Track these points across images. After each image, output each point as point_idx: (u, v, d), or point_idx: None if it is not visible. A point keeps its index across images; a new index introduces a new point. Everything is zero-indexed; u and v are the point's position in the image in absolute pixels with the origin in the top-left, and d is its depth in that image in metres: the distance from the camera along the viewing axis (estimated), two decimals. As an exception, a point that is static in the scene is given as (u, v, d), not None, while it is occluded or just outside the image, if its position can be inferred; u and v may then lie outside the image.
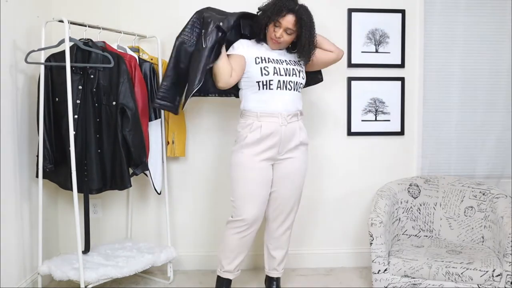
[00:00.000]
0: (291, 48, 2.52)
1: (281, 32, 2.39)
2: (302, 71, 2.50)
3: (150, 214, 3.07)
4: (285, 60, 2.47)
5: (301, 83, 2.49)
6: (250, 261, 3.09)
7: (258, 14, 2.47)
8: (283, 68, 2.42)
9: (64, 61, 2.30)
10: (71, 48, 2.44)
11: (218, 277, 2.58)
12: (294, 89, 2.44)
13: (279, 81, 2.40)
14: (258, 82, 2.40)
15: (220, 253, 2.55)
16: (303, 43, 2.42)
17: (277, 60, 2.45)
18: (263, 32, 2.47)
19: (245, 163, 2.42)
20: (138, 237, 3.04)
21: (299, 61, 2.52)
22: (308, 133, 2.95)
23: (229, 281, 2.57)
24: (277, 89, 2.40)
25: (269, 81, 2.39)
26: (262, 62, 2.41)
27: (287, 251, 2.66)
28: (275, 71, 2.40)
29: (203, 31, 2.38)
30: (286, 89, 2.42)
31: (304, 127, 2.54)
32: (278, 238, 2.60)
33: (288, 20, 2.36)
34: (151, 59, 2.84)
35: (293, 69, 2.45)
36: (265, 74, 2.39)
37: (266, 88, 2.40)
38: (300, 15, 2.37)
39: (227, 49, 2.44)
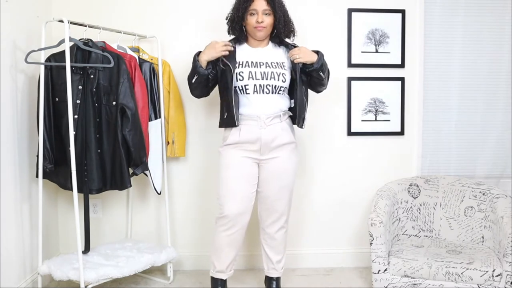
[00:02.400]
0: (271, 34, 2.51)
1: (261, 16, 2.39)
2: (283, 73, 2.44)
3: (150, 214, 3.07)
4: (266, 63, 2.44)
5: (282, 86, 2.45)
6: (248, 261, 3.09)
7: (228, 21, 2.50)
8: (260, 72, 2.41)
9: (64, 61, 2.30)
10: (71, 48, 2.44)
11: (212, 278, 2.59)
12: (273, 92, 2.43)
13: (254, 85, 2.41)
14: (235, 87, 2.42)
15: (212, 253, 2.56)
16: (278, 17, 2.42)
17: (256, 63, 2.43)
18: (243, 31, 2.49)
19: (227, 161, 2.46)
20: (138, 237, 3.04)
21: (285, 63, 2.48)
22: (308, 133, 2.96)
23: (223, 281, 2.57)
24: (253, 93, 2.42)
25: (245, 86, 2.41)
26: (238, 67, 2.43)
27: (284, 252, 2.65)
28: (250, 76, 2.40)
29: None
30: (263, 92, 2.42)
31: (290, 127, 2.52)
32: (272, 237, 2.59)
33: (260, 3, 2.39)
34: (151, 59, 2.84)
35: (272, 72, 2.42)
36: (239, 79, 2.41)
37: (243, 93, 2.43)
38: None
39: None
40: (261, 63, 2.44)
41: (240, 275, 2.94)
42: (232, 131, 2.45)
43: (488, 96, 3.12)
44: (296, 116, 2.48)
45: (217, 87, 2.56)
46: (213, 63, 2.45)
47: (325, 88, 2.61)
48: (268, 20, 2.42)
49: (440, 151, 3.13)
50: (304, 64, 2.44)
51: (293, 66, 2.46)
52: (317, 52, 2.45)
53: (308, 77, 2.52)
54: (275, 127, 2.44)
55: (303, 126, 2.53)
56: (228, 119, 2.44)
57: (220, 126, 2.54)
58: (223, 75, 2.44)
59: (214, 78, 2.49)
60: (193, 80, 2.44)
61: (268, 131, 2.43)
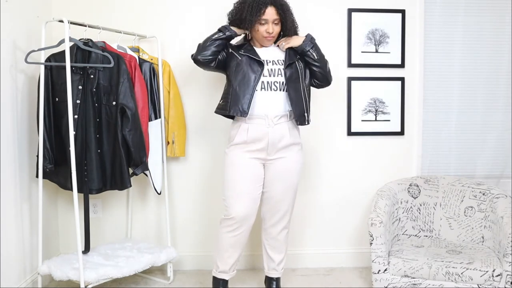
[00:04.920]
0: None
1: (271, 26, 2.39)
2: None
3: (150, 214, 3.07)
4: (272, 60, 2.45)
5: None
6: (249, 261, 3.09)
7: (233, 16, 2.45)
8: (267, 69, 2.42)
9: (64, 61, 2.30)
10: (71, 48, 2.45)
11: (214, 278, 2.58)
12: (281, 90, 2.42)
13: (262, 82, 2.40)
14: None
15: (215, 253, 2.56)
16: (288, 26, 2.43)
17: (263, 60, 2.43)
18: (250, 35, 2.49)
19: (233, 162, 2.45)
20: (138, 237, 3.04)
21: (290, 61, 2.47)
22: (308, 133, 2.96)
23: (225, 281, 2.57)
24: (261, 90, 2.40)
25: None
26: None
27: (285, 252, 2.66)
28: None
29: None
30: (271, 90, 2.41)
31: (296, 128, 2.51)
32: (275, 238, 2.59)
33: (271, 13, 2.38)
34: (151, 59, 2.84)
35: (278, 69, 2.43)
36: None
37: None
38: (275, 2, 2.38)
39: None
40: (268, 61, 2.44)
41: (240, 275, 2.93)
42: (239, 130, 2.43)
43: (488, 96, 3.12)
44: (294, 115, 2.44)
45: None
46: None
47: (328, 81, 2.55)
48: (277, 29, 2.43)
49: (440, 151, 3.13)
50: (295, 50, 2.46)
51: (289, 57, 2.45)
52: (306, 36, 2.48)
53: (307, 68, 2.50)
54: (282, 126, 2.44)
55: (304, 123, 2.46)
56: (235, 107, 2.38)
57: (221, 112, 2.49)
58: (241, 66, 2.40)
59: (223, 60, 2.45)
60: (214, 36, 2.40)
61: (275, 130, 2.42)
